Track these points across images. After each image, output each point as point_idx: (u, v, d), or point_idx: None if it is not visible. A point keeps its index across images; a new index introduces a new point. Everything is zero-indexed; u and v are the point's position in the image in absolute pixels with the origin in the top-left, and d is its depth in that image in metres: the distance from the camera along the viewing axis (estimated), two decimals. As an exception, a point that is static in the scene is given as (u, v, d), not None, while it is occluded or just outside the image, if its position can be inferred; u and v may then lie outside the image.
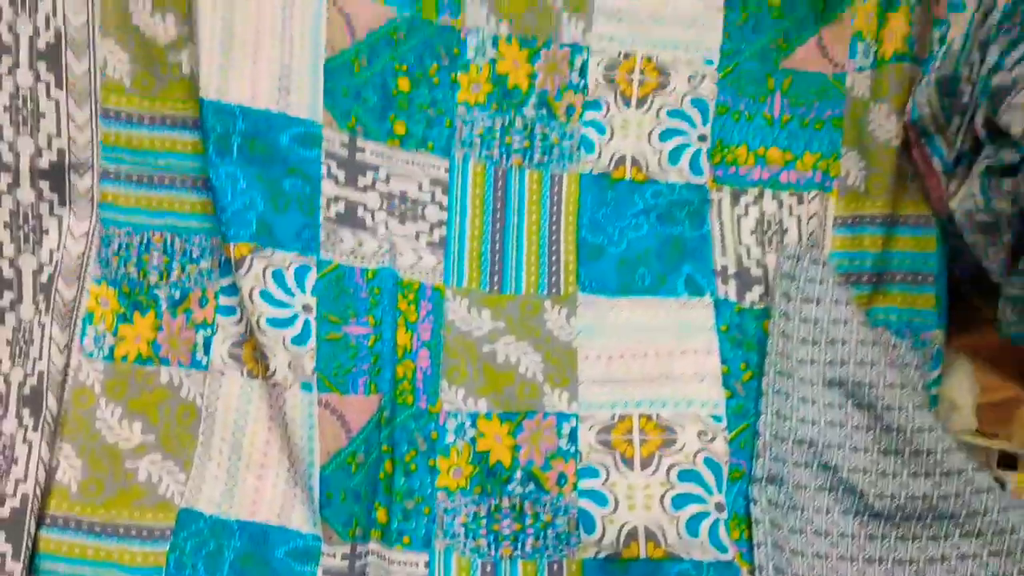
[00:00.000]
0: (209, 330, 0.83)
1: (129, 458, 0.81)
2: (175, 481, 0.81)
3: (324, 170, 0.85)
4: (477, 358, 0.86)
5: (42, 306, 0.82)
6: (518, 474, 0.83)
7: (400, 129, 0.88)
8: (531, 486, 0.83)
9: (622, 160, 0.91)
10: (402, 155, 0.88)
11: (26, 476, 0.79)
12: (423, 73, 0.88)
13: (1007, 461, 0.93)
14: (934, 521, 0.81)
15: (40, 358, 0.81)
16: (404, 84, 0.88)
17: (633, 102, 0.91)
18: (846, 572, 0.81)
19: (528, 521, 0.82)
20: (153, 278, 0.84)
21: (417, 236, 0.88)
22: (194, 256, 0.84)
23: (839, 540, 0.82)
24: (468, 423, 0.84)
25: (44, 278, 0.83)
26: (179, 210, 0.85)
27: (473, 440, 0.84)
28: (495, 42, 0.89)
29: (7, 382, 0.81)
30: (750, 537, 0.82)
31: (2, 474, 0.78)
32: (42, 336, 0.82)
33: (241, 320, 0.83)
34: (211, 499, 0.81)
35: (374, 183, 0.87)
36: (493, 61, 0.90)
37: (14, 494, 0.78)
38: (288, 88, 0.83)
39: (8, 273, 0.82)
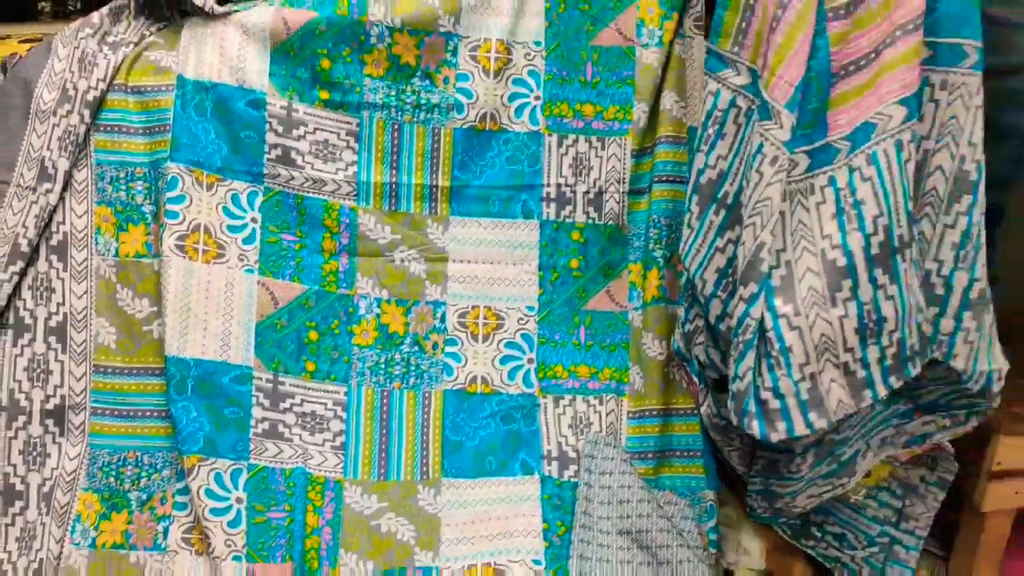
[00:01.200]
0: (168, 521, 1.13)
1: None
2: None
3: (254, 400, 1.18)
4: (367, 531, 1.16)
5: (43, 510, 1.12)
6: None
7: (311, 367, 1.22)
8: None
9: (475, 379, 1.25)
10: (313, 385, 1.21)
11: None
12: (327, 328, 1.23)
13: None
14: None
15: (40, 549, 1.10)
16: (314, 335, 1.22)
17: (480, 338, 1.27)
18: None
19: None
20: (127, 485, 1.15)
21: (323, 443, 1.20)
22: (158, 467, 1.16)
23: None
24: (360, 581, 1.14)
25: (46, 489, 1.13)
26: (147, 434, 1.17)
27: (364, 592, 1.13)
28: (379, 303, 1.25)
29: (15, 569, 1.09)
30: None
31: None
32: (43, 532, 1.11)
33: (191, 513, 1.13)
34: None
35: (291, 407, 1.20)
36: (378, 315, 1.25)
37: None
38: (229, 344, 1.17)
39: (20, 487, 1.13)
